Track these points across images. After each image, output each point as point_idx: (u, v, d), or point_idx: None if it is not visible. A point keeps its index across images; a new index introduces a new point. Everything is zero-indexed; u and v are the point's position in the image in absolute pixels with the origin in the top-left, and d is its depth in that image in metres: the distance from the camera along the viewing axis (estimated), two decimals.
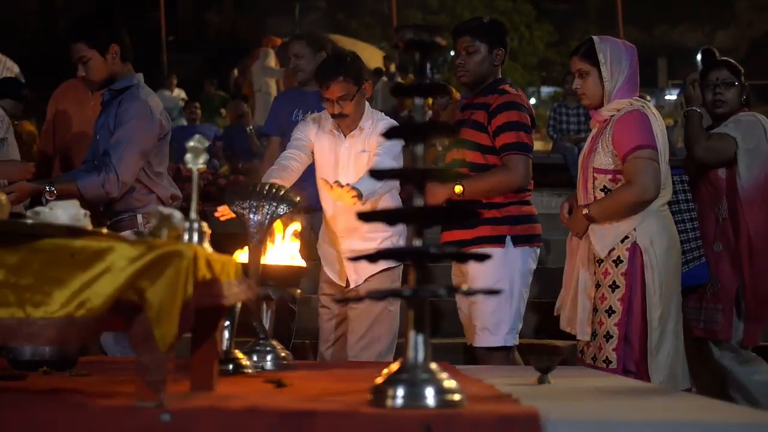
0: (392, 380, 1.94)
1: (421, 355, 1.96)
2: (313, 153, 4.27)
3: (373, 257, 1.99)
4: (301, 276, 3.31)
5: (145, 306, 1.80)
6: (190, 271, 1.82)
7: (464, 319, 4.20)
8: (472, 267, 4.05)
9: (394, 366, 2.44)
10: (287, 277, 3.23)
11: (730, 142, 4.26)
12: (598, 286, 3.67)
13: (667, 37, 27.80)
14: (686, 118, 4.44)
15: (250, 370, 2.91)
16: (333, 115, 4.14)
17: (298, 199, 3.26)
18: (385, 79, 14.21)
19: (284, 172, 4.15)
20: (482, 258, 1.99)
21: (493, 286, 3.84)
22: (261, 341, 3.22)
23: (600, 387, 2.59)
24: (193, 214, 2.18)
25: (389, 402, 1.91)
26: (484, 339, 4.03)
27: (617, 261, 3.62)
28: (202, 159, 2.26)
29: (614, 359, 3.57)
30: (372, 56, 21.18)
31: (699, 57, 10.52)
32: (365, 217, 2.01)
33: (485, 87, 4.16)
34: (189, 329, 1.85)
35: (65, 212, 2.21)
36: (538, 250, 4.17)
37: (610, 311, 3.61)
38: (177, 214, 1.95)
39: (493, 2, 26.58)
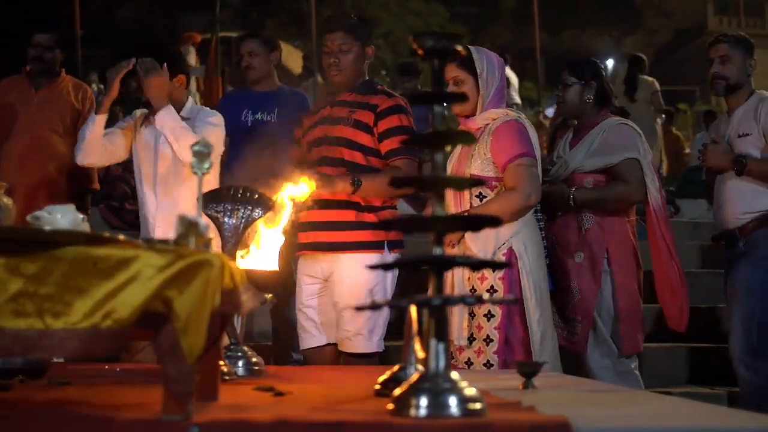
0: (414, 389, 1.92)
1: (442, 364, 1.94)
2: (130, 144, 4.50)
3: (390, 267, 1.98)
4: (274, 280, 3.26)
5: (172, 316, 1.75)
6: (218, 281, 1.78)
7: (323, 323, 4.15)
8: (349, 273, 3.99)
9: (389, 372, 2.46)
10: (262, 281, 3.18)
11: (636, 166, 4.31)
12: (473, 290, 3.75)
13: (576, 42, 28.32)
14: (575, 203, 4.34)
15: (228, 377, 2.87)
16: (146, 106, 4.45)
17: (273, 203, 3.22)
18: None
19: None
20: (500, 266, 1.99)
21: (370, 292, 3.95)
22: (232, 346, 3.18)
23: (593, 392, 2.62)
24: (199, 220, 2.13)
25: (412, 412, 1.88)
26: (359, 344, 4.03)
27: None
28: (207, 164, 2.22)
29: (496, 362, 3.68)
30: (288, 54, 21.03)
31: (627, 61, 10.72)
32: (384, 225, 2.00)
33: (360, 86, 4.11)
34: (220, 340, 1.81)
35: (64, 217, 2.15)
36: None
37: (489, 315, 3.72)
38: (202, 222, 1.90)
39: (406, 3, 26.73)
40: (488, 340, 3.69)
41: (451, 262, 1.89)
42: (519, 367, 2.75)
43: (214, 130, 4.36)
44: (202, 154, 2.18)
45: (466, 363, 3.73)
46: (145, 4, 23.55)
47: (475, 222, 1.96)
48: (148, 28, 22.08)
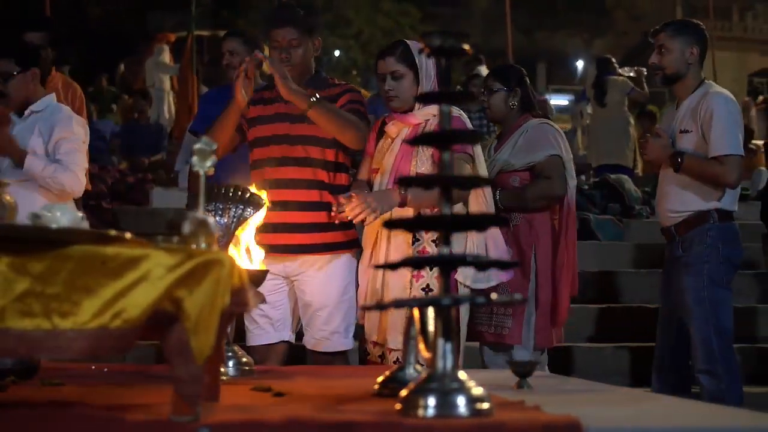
0: (421, 390, 1.91)
1: (449, 364, 1.93)
2: None
3: (396, 266, 1.96)
4: (263, 280, 3.24)
5: (182, 316, 1.72)
6: (228, 280, 1.75)
7: (280, 320, 4.12)
8: (323, 273, 4.02)
9: (388, 372, 2.45)
10: (253, 280, 3.15)
11: (559, 162, 4.38)
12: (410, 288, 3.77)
13: (547, 43, 28.45)
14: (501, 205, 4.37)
15: (224, 378, 2.84)
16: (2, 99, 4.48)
17: (264, 201, 3.20)
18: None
19: None
20: (508, 266, 1.98)
21: (344, 290, 3.99)
22: None
23: (590, 392, 2.62)
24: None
25: (420, 412, 1.87)
26: (337, 343, 4.03)
27: None
28: (210, 162, 2.19)
29: None
30: None
31: (595, 64, 10.76)
32: (389, 224, 1.98)
33: (313, 81, 4.06)
34: (223, 339, 1.78)
35: (64, 215, 2.11)
36: None
37: None
38: (211, 220, 1.87)
39: (378, 3, 26.72)
40: None
41: (461, 262, 1.88)
42: (514, 367, 2.75)
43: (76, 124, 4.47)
44: (204, 152, 2.15)
45: (395, 362, 3.65)
46: (115, 2, 23.38)
47: (479, 221, 1.95)
48: (118, 26, 21.90)
